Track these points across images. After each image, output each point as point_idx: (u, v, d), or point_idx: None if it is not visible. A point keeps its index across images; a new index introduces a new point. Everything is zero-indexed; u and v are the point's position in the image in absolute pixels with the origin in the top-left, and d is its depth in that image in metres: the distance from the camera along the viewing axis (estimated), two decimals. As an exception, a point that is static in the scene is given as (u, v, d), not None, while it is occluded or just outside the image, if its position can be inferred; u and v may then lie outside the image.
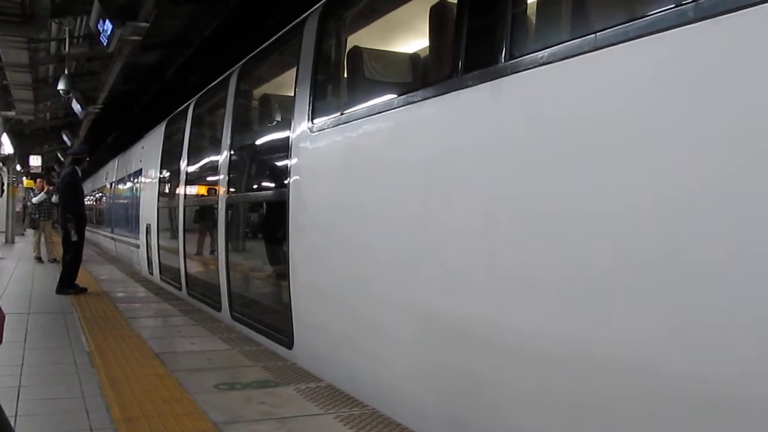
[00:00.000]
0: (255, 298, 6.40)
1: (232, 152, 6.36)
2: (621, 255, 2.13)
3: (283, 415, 3.38)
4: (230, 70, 6.58)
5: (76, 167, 8.78)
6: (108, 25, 7.37)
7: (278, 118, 5.76)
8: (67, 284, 8.25)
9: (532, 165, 2.53)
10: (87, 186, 17.97)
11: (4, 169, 21.17)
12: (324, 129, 4.23)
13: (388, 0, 4.58)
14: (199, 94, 8.05)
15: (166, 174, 9.76)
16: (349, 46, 4.47)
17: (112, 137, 20.91)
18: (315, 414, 3.39)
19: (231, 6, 8.65)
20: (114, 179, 16.27)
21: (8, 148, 19.69)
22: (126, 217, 13.41)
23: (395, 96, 3.55)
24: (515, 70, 2.59)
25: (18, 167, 24.10)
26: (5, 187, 20.65)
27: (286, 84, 5.46)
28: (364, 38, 4.58)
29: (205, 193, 7.73)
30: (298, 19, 4.90)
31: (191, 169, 8.14)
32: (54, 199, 13.50)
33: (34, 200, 14.71)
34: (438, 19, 3.61)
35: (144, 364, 4.47)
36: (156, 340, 5.38)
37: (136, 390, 3.81)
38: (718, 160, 1.86)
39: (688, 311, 1.92)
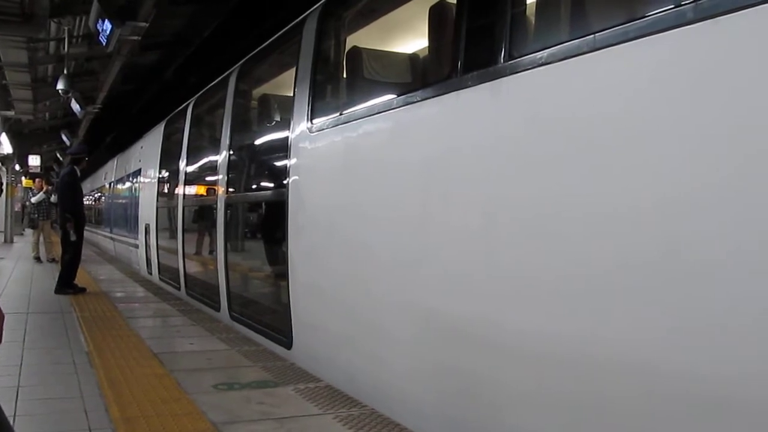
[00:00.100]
0: (254, 298, 6.40)
1: (231, 152, 6.36)
2: (621, 255, 2.13)
3: (282, 415, 3.38)
4: (229, 70, 6.58)
5: (75, 167, 8.78)
6: (107, 25, 7.37)
7: (277, 118, 5.76)
8: (66, 284, 8.25)
9: (532, 165, 2.53)
10: (86, 186, 17.94)
11: (3, 168, 21.17)
12: (323, 129, 4.23)
13: (388, 0, 4.58)
14: (199, 94, 8.05)
15: (165, 174, 9.75)
16: (348, 47, 4.47)
17: (111, 137, 20.90)
18: (314, 414, 3.39)
19: (230, 6, 8.64)
20: (113, 179, 16.26)
21: (7, 148, 19.69)
22: (125, 217, 13.41)
23: (394, 96, 3.55)
24: (514, 71, 2.58)
25: (17, 167, 24.11)
26: (4, 187, 20.62)
27: (285, 84, 5.46)
28: (363, 38, 4.58)
29: (204, 193, 7.72)
30: (297, 19, 4.90)
31: (190, 169, 8.13)
32: (53, 198, 13.49)
33: (33, 200, 14.70)
34: (437, 20, 3.60)
35: (143, 364, 4.47)
36: (155, 340, 5.38)
37: (135, 390, 3.81)
38: (718, 161, 1.86)
39: (688, 311, 1.92)
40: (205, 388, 3.87)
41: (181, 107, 8.86)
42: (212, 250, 6.82)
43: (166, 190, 9.60)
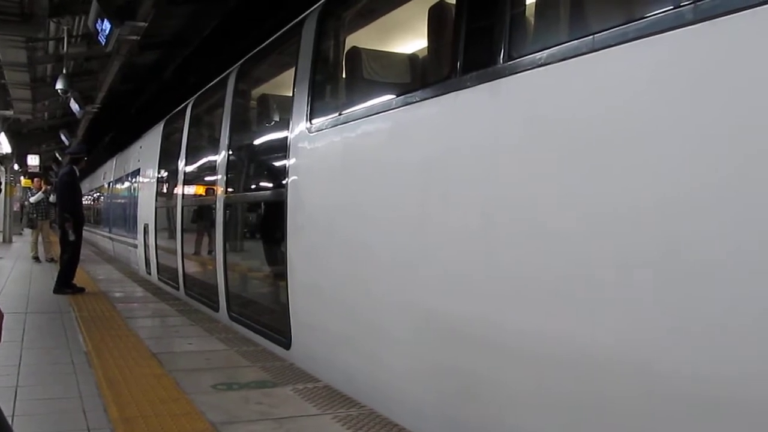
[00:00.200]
0: (253, 298, 6.39)
1: (230, 152, 6.36)
2: (621, 255, 2.13)
3: (281, 415, 3.37)
4: (228, 70, 6.58)
5: (74, 167, 8.78)
6: (106, 25, 7.37)
7: (276, 119, 5.76)
8: (65, 284, 8.24)
9: (531, 166, 2.53)
10: (85, 185, 17.94)
11: (2, 168, 21.16)
12: (322, 129, 4.23)
13: (387, 0, 4.58)
14: (198, 94, 8.05)
15: (164, 174, 9.75)
16: (347, 47, 4.47)
17: (110, 137, 20.88)
18: (312, 414, 3.39)
19: (230, 6, 8.64)
20: (112, 179, 16.25)
21: (6, 148, 19.70)
22: (124, 216, 13.39)
23: (394, 96, 3.55)
24: (514, 71, 2.58)
25: (16, 166, 24.11)
26: (3, 187, 20.61)
27: (284, 84, 5.46)
28: (362, 39, 4.58)
29: (203, 193, 7.72)
30: (296, 20, 4.90)
31: (189, 169, 8.13)
32: (51, 198, 13.49)
33: (32, 200, 14.68)
34: (437, 20, 3.60)
35: (141, 364, 4.46)
36: (153, 340, 5.37)
37: (134, 390, 3.80)
38: (718, 161, 1.86)
39: (688, 311, 1.92)
40: (204, 388, 3.87)
41: (180, 107, 8.86)
42: (211, 250, 6.81)
43: (165, 190, 9.60)
